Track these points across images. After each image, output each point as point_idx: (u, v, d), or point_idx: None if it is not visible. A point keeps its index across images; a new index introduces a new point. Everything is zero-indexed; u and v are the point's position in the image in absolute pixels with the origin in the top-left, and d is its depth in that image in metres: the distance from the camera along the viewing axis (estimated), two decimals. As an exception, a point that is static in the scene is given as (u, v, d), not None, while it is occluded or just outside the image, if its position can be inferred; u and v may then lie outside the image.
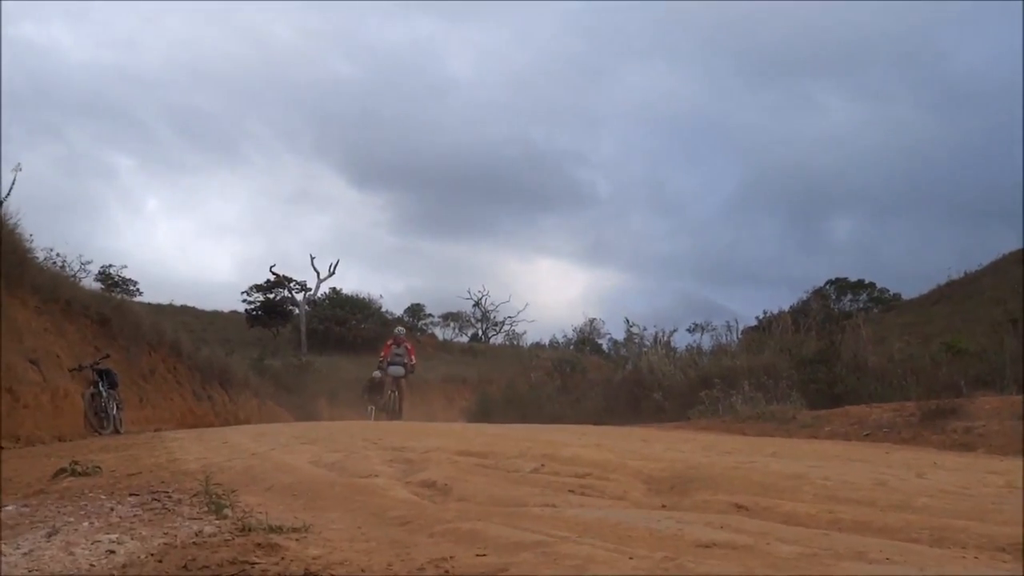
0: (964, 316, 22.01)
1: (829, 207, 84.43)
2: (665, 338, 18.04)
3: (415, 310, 53.72)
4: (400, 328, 22.45)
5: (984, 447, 8.00)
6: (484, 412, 20.84)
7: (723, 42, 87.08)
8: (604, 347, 45.53)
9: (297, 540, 3.25)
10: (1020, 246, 31.77)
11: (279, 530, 3.41)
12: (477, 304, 57.10)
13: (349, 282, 74.34)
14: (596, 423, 13.25)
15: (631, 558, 2.67)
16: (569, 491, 4.62)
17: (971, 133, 79.48)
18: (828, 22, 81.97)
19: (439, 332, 54.59)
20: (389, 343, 20.74)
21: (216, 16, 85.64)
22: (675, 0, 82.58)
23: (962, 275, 31.72)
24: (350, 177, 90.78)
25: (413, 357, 20.80)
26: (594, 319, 49.64)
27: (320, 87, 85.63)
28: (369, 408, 24.18)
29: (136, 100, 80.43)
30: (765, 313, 18.97)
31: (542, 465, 5.58)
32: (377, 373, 25.39)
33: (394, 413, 19.67)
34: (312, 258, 47.66)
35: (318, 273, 47.19)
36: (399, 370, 20.20)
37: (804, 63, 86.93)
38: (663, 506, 4.16)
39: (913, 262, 67.43)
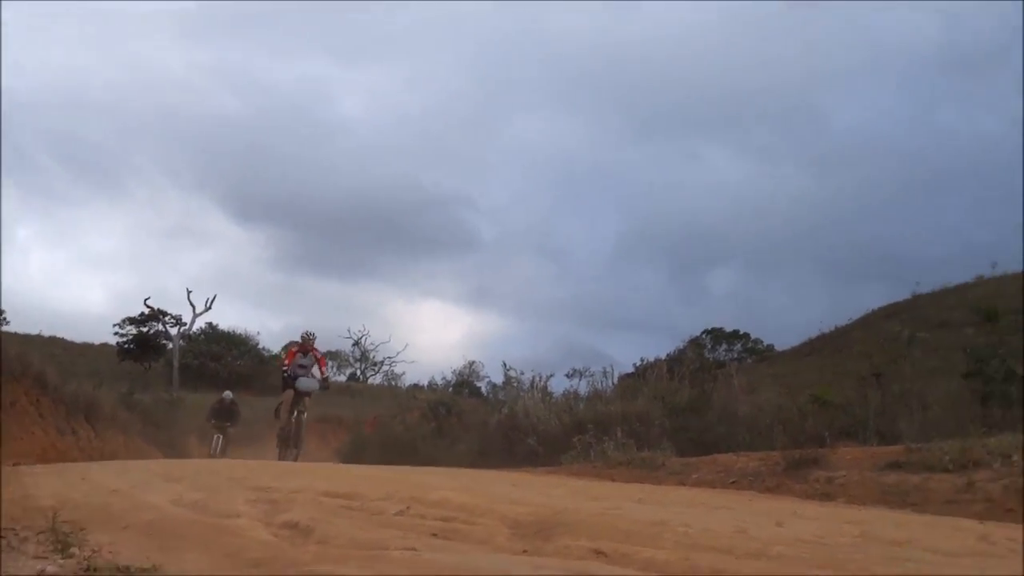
0: (833, 369, 22.65)
1: (710, 259, 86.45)
2: (542, 383, 18.10)
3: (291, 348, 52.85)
4: (310, 331, 17.01)
5: (844, 497, 8.19)
6: (357, 453, 20.60)
7: (611, 94, 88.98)
8: (483, 390, 45.58)
9: (144, 581, 3.15)
10: (888, 301, 32.95)
11: (126, 571, 3.31)
12: (356, 343, 56.69)
13: (228, 318, 73.23)
14: (470, 466, 13.22)
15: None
16: (432, 535, 4.58)
17: (845, 191, 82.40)
18: (714, 78, 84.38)
19: (315, 371, 53.78)
20: (294, 350, 16.57)
21: (102, 44, 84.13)
22: (566, 52, 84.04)
23: (832, 329, 32.77)
24: (233, 213, 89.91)
25: (325, 369, 17.08)
26: (474, 362, 49.55)
27: (207, 122, 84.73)
28: (215, 439, 23.13)
29: (13, 124, 78.22)
30: (642, 360, 19.23)
31: (408, 508, 5.53)
32: (228, 393, 24.10)
33: (295, 442, 15.82)
34: (188, 292, 46.67)
35: (194, 307, 46.22)
36: (310, 383, 16.07)
37: (688, 117, 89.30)
38: (525, 551, 4.15)
39: (787, 315, 69.43)
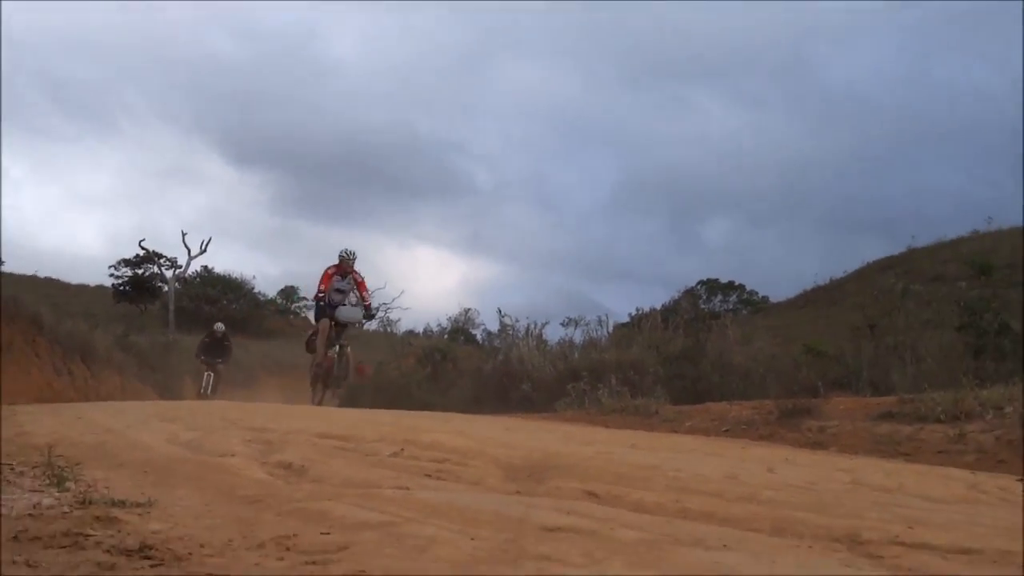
0: (828, 320, 22.70)
1: (705, 209, 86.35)
2: (537, 330, 18.13)
3: (288, 292, 52.83)
4: (349, 249, 14.46)
5: (836, 446, 8.24)
6: (353, 399, 20.65)
7: (605, 42, 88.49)
8: (478, 337, 45.65)
9: (139, 515, 3.17)
10: (884, 255, 32.98)
11: (121, 504, 3.33)
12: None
13: (223, 261, 72.65)
14: (465, 412, 13.28)
15: (473, 539, 2.68)
16: (426, 475, 4.61)
17: (841, 145, 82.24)
18: (707, 28, 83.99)
19: (311, 317, 53.95)
20: (330, 271, 14.26)
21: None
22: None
23: (827, 281, 32.78)
24: (228, 155, 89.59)
25: (367, 294, 14.76)
26: (469, 309, 49.54)
27: (201, 63, 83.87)
28: (206, 376, 21.38)
29: (5, 62, 77.59)
30: (638, 310, 19.23)
31: (401, 449, 5.56)
32: (219, 326, 22.31)
33: (336, 380, 14.21)
34: (184, 234, 46.30)
35: (189, 250, 45.95)
36: (353, 312, 14.32)
37: (683, 67, 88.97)
38: (517, 492, 4.18)
39: (783, 267, 69.50)
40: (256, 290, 48.13)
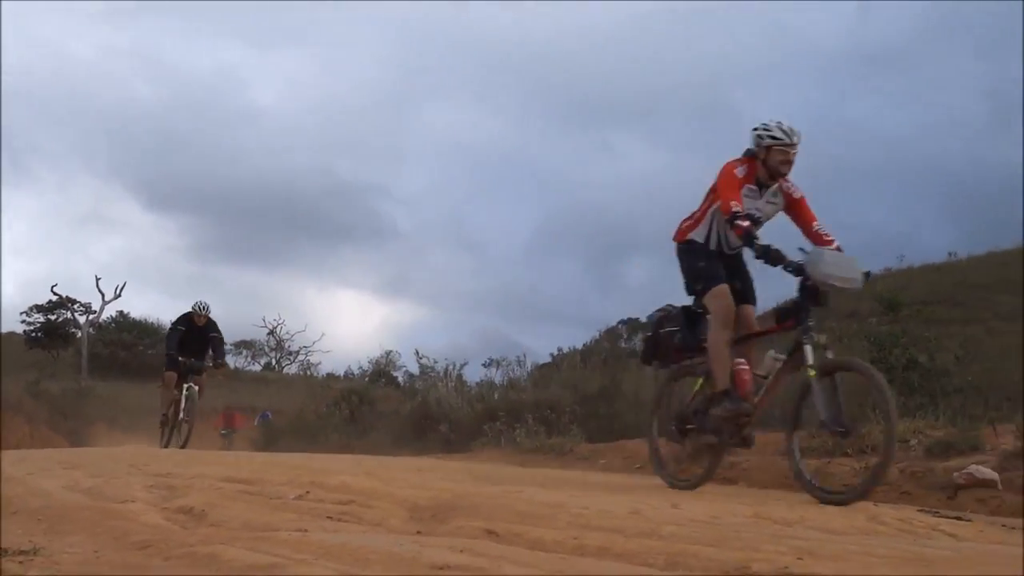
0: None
1: (626, 249, 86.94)
2: (456, 371, 18.16)
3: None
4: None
5: (746, 480, 8.35)
6: (270, 441, 20.43)
7: (526, 85, 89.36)
8: (400, 380, 45.40)
9: (20, 562, 3.09)
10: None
11: (4, 552, 3.24)
12: (271, 333, 56.05)
13: (141, 308, 71.97)
14: (383, 454, 13.19)
15: (356, 578, 2.66)
16: (328, 517, 4.57)
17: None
18: (628, 70, 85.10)
19: (231, 360, 53.24)
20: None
21: (10, 27, 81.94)
22: (480, 42, 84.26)
23: (750, 319, 33.21)
24: (145, 201, 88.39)
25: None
26: (391, 351, 49.31)
27: (119, 108, 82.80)
28: (184, 390, 13.50)
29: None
30: (559, 350, 19.34)
31: (307, 492, 5.49)
32: (202, 304, 13.80)
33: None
34: (98, 279, 45.84)
35: (103, 295, 45.37)
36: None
37: (604, 109, 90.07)
38: (418, 532, 4.15)
39: (703, 305, 69.96)
40: (174, 335, 47.30)
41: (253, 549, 3.26)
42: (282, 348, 56.68)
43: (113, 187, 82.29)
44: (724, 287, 6.56)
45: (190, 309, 13.83)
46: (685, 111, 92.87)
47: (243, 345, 54.72)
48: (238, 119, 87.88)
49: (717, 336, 6.52)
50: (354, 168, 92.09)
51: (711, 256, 6.74)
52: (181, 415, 13.35)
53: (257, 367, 54.15)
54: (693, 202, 6.86)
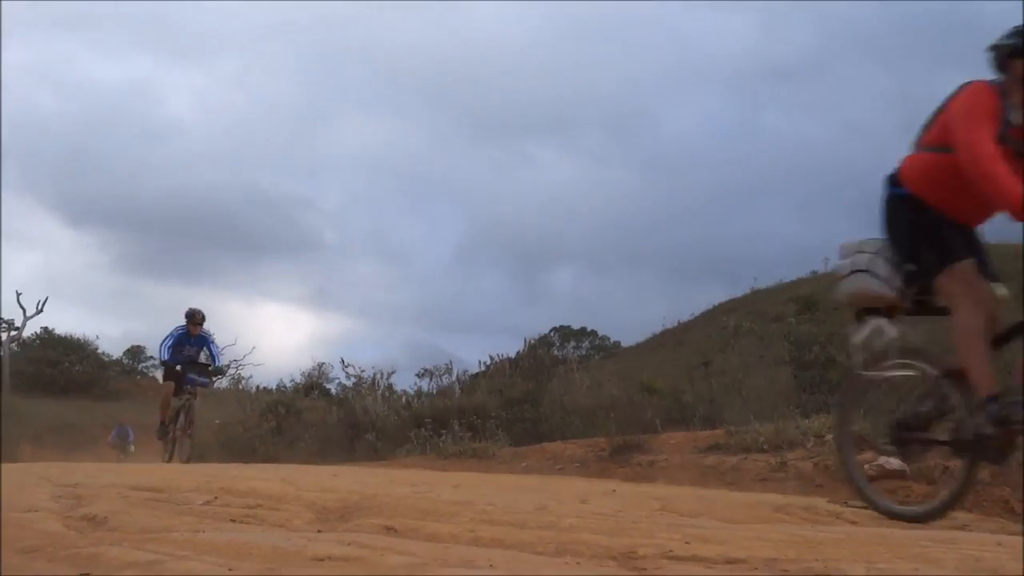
0: (674, 362, 23.23)
1: (549, 259, 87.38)
2: (385, 380, 18.13)
3: (134, 352, 51.36)
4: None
5: (664, 478, 8.43)
6: (198, 456, 20.15)
7: (446, 98, 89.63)
8: (333, 391, 45.03)
9: None
10: (728, 297, 34.14)
11: None
12: (200, 347, 55.28)
13: (64, 324, 70.31)
14: (309, 463, 13.10)
15: (231, 570, 2.63)
16: (231, 520, 4.50)
17: (677, 194, 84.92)
18: (545, 83, 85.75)
19: (159, 376, 52.46)
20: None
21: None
22: (396, 54, 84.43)
23: (676, 324, 33.69)
24: (62, 216, 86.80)
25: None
26: (323, 363, 48.95)
27: (26, 122, 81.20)
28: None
29: None
30: (491, 358, 19.37)
31: (215, 498, 5.41)
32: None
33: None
34: (18, 294, 44.91)
35: (24, 310, 44.51)
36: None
37: (523, 122, 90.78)
38: (318, 531, 4.12)
39: (631, 313, 70.80)
40: (100, 351, 46.60)
41: (140, 548, 3.20)
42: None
43: (26, 202, 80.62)
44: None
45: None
46: (601, 120, 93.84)
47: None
48: (154, 133, 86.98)
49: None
50: (276, 181, 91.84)
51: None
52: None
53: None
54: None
